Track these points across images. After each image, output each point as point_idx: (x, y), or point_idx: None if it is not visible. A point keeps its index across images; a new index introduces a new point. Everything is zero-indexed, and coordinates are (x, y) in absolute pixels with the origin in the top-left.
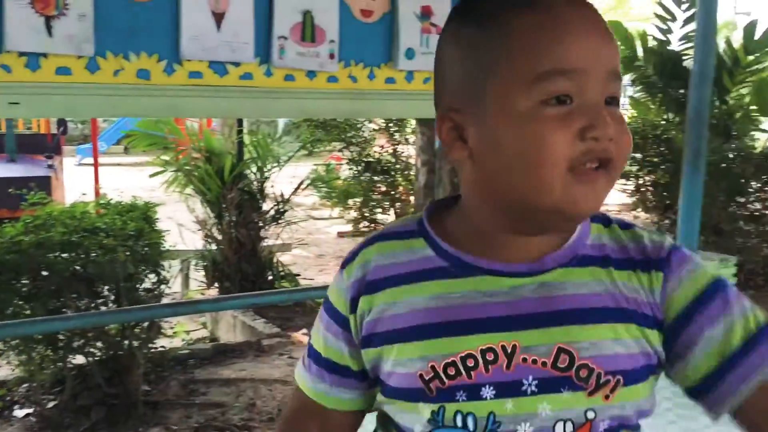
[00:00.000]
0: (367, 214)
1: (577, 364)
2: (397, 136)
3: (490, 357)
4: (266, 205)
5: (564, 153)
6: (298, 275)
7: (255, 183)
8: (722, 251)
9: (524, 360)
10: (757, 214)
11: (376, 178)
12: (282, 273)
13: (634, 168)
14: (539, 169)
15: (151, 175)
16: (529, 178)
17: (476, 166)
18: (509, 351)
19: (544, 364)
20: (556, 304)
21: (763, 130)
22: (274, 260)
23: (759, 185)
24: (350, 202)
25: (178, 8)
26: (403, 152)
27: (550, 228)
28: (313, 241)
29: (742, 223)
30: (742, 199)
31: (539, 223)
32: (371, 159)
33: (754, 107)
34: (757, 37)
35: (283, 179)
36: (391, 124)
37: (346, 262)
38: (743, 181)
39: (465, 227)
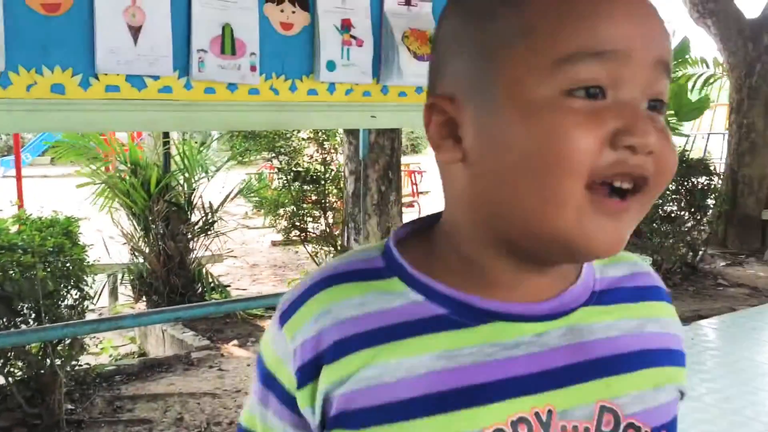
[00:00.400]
0: (297, 224)
1: (624, 424)
2: (326, 145)
3: (523, 430)
4: (195, 216)
5: (588, 160)
6: (229, 286)
7: (183, 194)
8: (641, 251)
9: (563, 428)
10: (673, 215)
11: (306, 187)
12: (212, 285)
13: None
14: (552, 178)
15: (78, 186)
16: (538, 188)
17: (470, 172)
18: (544, 419)
19: (586, 430)
20: (589, 352)
21: (684, 135)
22: (204, 272)
23: (675, 187)
24: (281, 211)
25: (92, 22)
26: (333, 161)
27: (551, 261)
28: (247, 250)
29: (660, 223)
30: (660, 201)
31: (539, 254)
32: (300, 168)
33: (671, 112)
34: (673, 46)
35: (215, 189)
36: (320, 133)
37: (286, 317)
38: None
39: (454, 257)
